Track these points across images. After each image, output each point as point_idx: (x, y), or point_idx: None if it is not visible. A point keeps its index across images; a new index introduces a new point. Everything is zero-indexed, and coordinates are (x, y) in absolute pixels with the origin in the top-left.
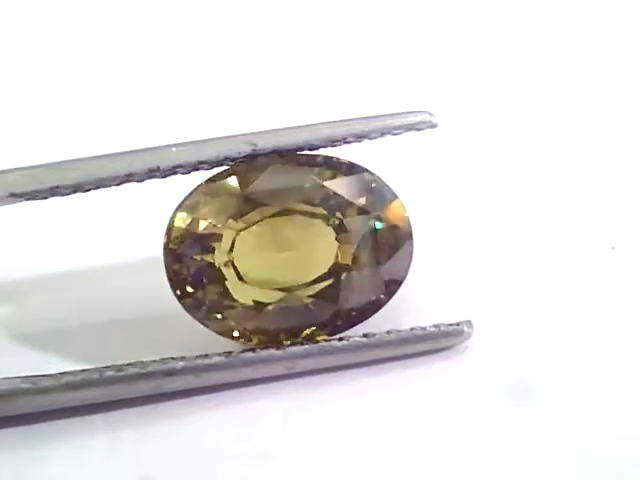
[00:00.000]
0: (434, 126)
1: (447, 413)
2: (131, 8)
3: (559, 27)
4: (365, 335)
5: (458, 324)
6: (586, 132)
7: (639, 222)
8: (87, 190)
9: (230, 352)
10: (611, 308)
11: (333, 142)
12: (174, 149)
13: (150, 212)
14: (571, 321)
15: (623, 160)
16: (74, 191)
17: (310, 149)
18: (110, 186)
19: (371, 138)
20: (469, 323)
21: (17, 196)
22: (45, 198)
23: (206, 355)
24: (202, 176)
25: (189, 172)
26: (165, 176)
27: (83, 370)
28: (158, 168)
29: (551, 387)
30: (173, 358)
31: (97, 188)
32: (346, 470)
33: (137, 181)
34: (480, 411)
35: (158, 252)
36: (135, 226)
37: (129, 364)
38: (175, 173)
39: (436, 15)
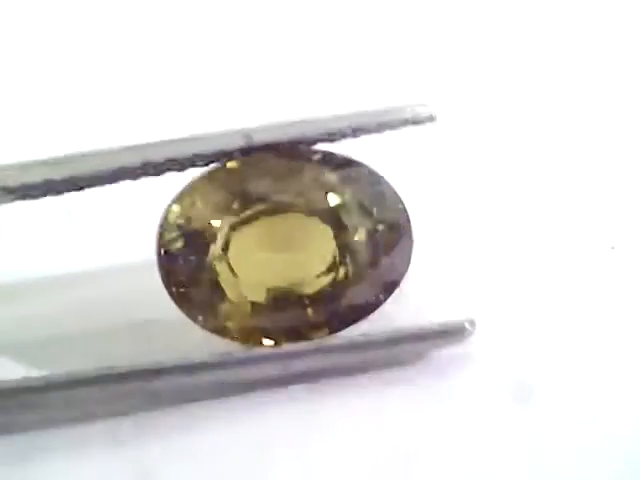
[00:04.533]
0: (433, 119)
1: (449, 413)
2: (125, 5)
3: (559, 21)
4: (364, 333)
5: (460, 322)
6: (586, 131)
7: (639, 222)
8: (81, 187)
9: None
10: (611, 307)
11: (330, 136)
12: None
13: (145, 211)
14: (571, 320)
15: (623, 160)
16: (67, 187)
17: (307, 143)
18: (104, 183)
19: (369, 132)
20: (471, 321)
21: (9, 191)
22: (38, 196)
23: (200, 354)
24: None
25: (184, 167)
26: (160, 172)
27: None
28: (151, 162)
29: (551, 386)
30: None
31: (91, 184)
32: (348, 471)
33: (131, 177)
34: (481, 411)
35: (153, 251)
36: (129, 225)
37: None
38: (169, 168)
39: (434, 9)
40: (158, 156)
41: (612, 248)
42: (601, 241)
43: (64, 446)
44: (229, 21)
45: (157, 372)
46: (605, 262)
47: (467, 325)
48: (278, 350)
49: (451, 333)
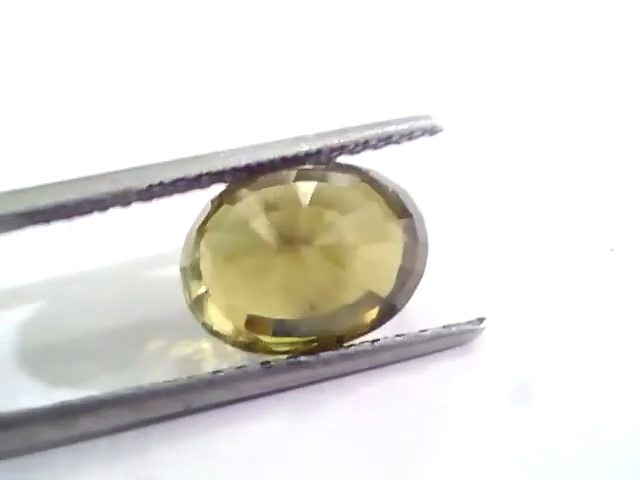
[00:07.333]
0: (439, 131)
1: (451, 414)
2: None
3: (560, 28)
4: (373, 341)
5: (470, 322)
6: (586, 135)
7: (638, 224)
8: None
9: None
10: (611, 309)
11: (332, 152)
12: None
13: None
14: (570, 322)
15: (623, 162)
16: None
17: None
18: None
19: (375, 147)
20: (479, 321)
21: (22, 216)
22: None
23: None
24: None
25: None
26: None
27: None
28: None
29: (551, 387)
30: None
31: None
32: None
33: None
34: (483, 412)
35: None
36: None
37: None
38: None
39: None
40: (160, 178)
41: (611, 250)
42: (600, 244)
43: (65, 448)
44: (229, 41)
45: (188, 388)
46: (604, 264)
47: (476, 324)
48: (285, 362)
49: (461, 333)
